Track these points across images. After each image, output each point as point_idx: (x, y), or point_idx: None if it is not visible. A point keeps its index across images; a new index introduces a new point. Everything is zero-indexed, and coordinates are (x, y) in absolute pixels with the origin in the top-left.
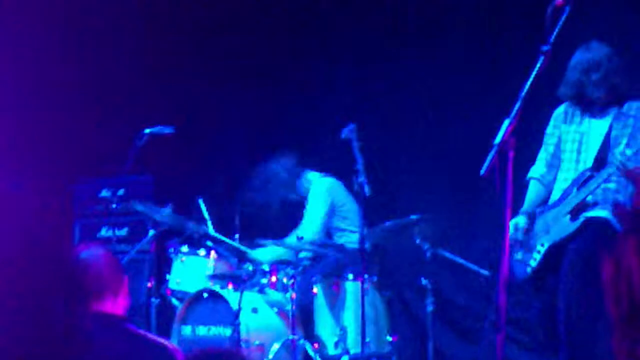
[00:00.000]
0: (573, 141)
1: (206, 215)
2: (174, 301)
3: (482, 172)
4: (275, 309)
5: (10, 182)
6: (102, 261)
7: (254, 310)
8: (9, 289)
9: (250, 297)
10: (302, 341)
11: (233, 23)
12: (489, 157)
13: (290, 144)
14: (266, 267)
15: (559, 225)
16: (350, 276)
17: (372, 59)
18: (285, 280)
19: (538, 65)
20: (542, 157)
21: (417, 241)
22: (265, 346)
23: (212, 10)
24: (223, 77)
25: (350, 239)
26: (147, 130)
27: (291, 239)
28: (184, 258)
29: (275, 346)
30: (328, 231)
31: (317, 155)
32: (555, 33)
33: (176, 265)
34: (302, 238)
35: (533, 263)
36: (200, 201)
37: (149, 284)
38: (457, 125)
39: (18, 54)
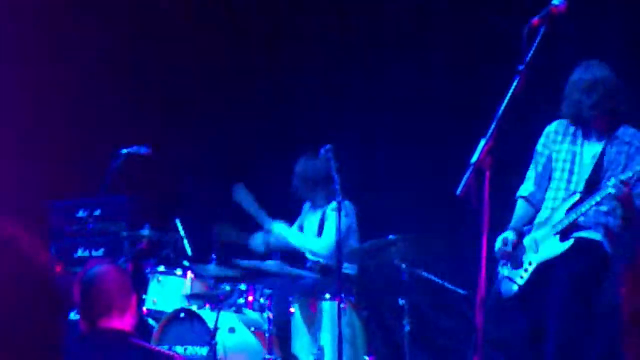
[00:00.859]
0: (564, 161)
1: (183, 234)
2: (151, 321)
3: (458, 191)
4: (252, 329)
5: None
6: (111, 278)
7: (231, 330)
8: None
9: (227, 317)
10: None
11: (210, 42)
12: (465, 177)
13: (267, 164)
14: (243, 287)
15: (548, 245)
16: (328, 296)
17: (349, 78)
18: (262, 300)
19: (514, 84)
20: (531, 175)
21: (395, 261)
22: None
23: (186, 29)
24: (199, 97)
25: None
26: (124, 151)
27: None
28: (160, 278)
29: None
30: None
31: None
32: (531, 53)
33: (153, 285)
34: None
35: (520, 281)
36: (178, 221)
37: None
38: (434, 145)
39: None
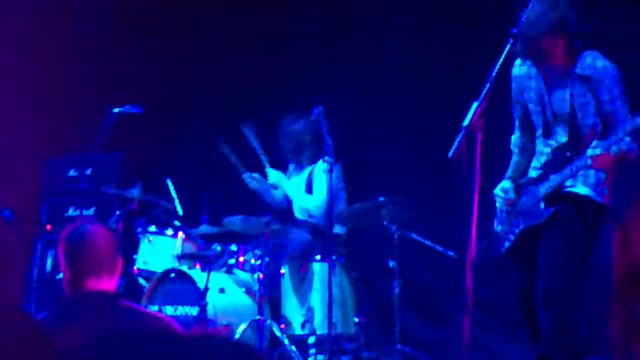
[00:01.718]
0: (537, 112)
1: (174, 195)
2: (141, 281)
3: (450, 154)
4: (243, 289)
5: None
6: (101, 238)
7: (222, 291)
8: None
9: (218, 278)
10: (269, 322)
11: (202, 5)
12: (457, 140)
13: (259, 125)
14: (234, 248)
15: (534, 210)
16: (318, 257)
17: (340, 41)
18: (252, 261)
19: (507, 47)
20: (516, 124)
21: (385, 223)
22: (233, 326)
23: None
24: (192, 58)
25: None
26: (116, 110)
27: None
28: (151, 238)
29: (242, 326)
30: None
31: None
32: (524, 16)
33: (143, 245)
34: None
35: (507, 244)
36: (169, 181)
37: None
38: (426, 107)
39: None
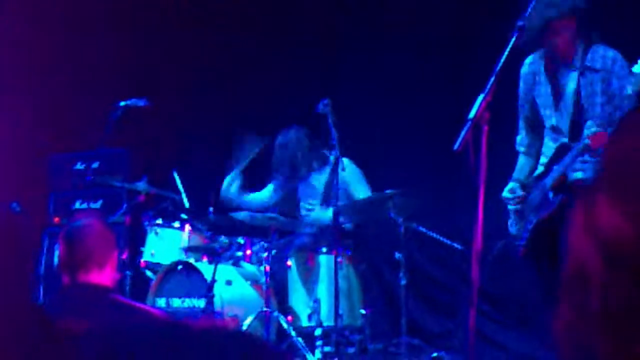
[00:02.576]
0: (546, 106)
1: (181, 187)
2: (148, 273)
3: (455, 147)
4: (250, 282)
5: None
6: (89, 232)
7: (228, 283)
8: None
9: (225, 270)
10: (275, 313)
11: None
12: (463, 132)
13: (266, 120)
14: (241, 240)
15: (543, 201)
16: (324, 249)
17: (346, 32)
18: (259, 253)
19: (512, 40)
20: (522, 125)
21: (392, 215)
22: (239, 318)
23: None
24: (198, 50)
25: None
26: (122, 103)
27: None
28: (158, 230)
29: (249, 318)
30: None
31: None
32: (530, 8)
33: (150, 238)
34: None
35: (523, 240)
36: (175, 174)
37: (123, 256)
38: (432, 99)
39: None
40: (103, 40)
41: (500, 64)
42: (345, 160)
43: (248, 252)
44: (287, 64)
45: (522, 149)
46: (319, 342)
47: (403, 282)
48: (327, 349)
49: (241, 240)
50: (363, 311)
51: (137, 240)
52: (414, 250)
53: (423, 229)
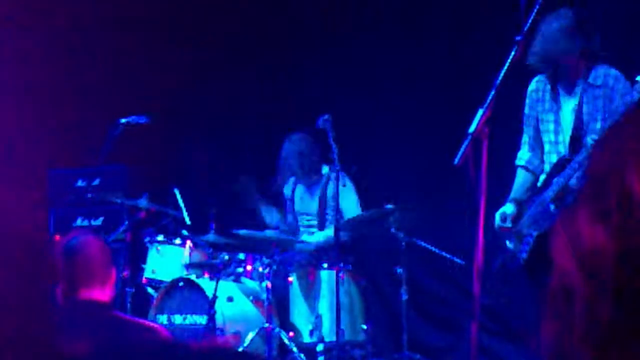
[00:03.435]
0: (548, 121)
1: (182, 204)
2: (150, 290)
3: (455, 161)
4: (251, 298)
5: None
6: (92, 249)
7: (230, 299)
8: None
9: (226, 286)
10: (277, 330)
11: (205, 15)
12: (463, 147)
13: (266, 135)
14: (242, 256)
15: (545, 214)
16: (326, 265)
17: (345, 48)
18: (260, 269)
19: (512, 54)
20: (525, 140)
21: (393, 230)
22: (241, 334)
23: (185, 2)
24: (198, 68)
25: None
26: (123, 120)
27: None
28: (159, 247)
29: (251, 335)
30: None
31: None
32: (529, 23)
33: (152, 255)
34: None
35: (525, 255)
36: (176, 191)
37: (124, 274)
38: (432, 114)
39: None
40: (104, 57)
41: (499, 79)
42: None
43: (249, 267)
44: (286, 79)
45: (522, 162)
46: (320, 358)
47: (404, 297)
48: None
49: (242, 256)
50: (364, 326)
51: (138, 257)
52: (415, 265)
53: (424, 244)
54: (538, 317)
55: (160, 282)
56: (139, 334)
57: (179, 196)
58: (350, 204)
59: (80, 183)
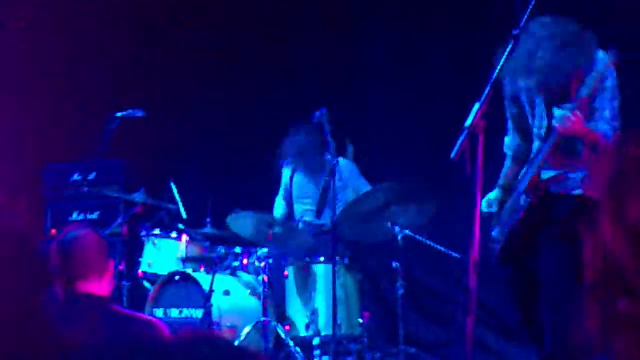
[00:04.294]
0: (532, 115)
1: (178, 198)
2: (146, 284)
3: (452, 155)
4: (247, 291)
5: None
6: (87, 242)
7: (226, 293)
8: None
9: (222, 280)
10: (273, 323)
11: (204, 8)
12: (459, 141)
13: (262, 127)
14: (238, 250)
15: (516, 205)
16: (322, 259)
17: (343, 41)
18: (257, 262)
19: (508, 48)
20: (510, 126)
21: (388, 224)
22: (237, 328)
23: None
24: (194, 61)
25: None
26: (119, 114)
27: None
28: (155, 241)
29: (247, 328)
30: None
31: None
32: (525, 17)
33: (148, 248)
34: None
35: (499, 244)
36: (172, 184)
37: (120, 267)
38: (428, 108)
39: None
40: (100, 51)
41: (496, 73)
42: (340, 160)
43: (245, 261)
44: (283, 73)
45: (509, 152)
46: (316, 352)
47: (400, 291)
48: (325, 358)
49: (238, 250)
50: (360, 320)
51: (134, 251)
52: (411, 259)
53: (420, 238)
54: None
55: (157, 275)
56: (136, 328)
57: (175, 190)
58: (363, 187)
59: (76, 177)
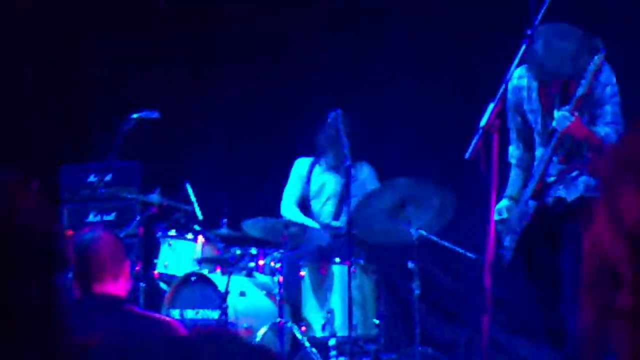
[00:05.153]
0: (536, 123)
1: (194, 199)
2: (162, 285)
3: (467, 155)
4: (263, 292)
5: None
6: (102, 243)
7: (242, 294)
8: None
9: (238, 281)
10: (289, 324)
11: (218, 6)
12: (474, 141)
13: (278, 128)
14: (254, 251)
15: (524, 212)
16: (338, 259)
17: (357, 40)
18: (272, 263)
19: (522, 48)
20: (512, 136)
21: (404, 224)
22: (253, 329)
23: None
24: (209, 61)
25: None
26: (134, 115)
27: None
28: (171, 242)
29: (263, 329)
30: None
31: (304, 140)
32: (539, 17)
33: (164, 249)
34: None
35: (510, 251)
36: (188, 185)
37: (136, 268)
38: (443, 108)
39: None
40: (115, 51)
41: (511, 73)
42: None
43: (261, 262)
44: (298, 72)
45: (513, 161)
46: (333, 353)
47: (416, 291)
48: (341, 359)
49: (254, 251)
50: (377, 321)
51: (150, 252)
52: (427, 260)
53: (436, 239)
54: (531, 313)
55: (173, 276)
56: (153, 328)
57: (190, 191)
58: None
59: (92, 178)
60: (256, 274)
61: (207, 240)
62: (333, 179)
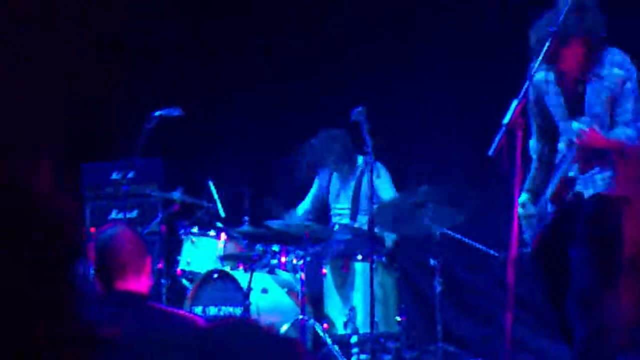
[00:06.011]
0: (556, 115)
1: (216, 196)
2: (185, 282)
3: (490, 152)
4: (285, 289)
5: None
6: (123, 239)
7: (264, 291)
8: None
9: (260, 278)
10: (311, 321)
11: (242, 4)
12: (497, 138)
13: (301, 128)
14: (276, 248)
15: (543, 213)
16: (360, 257)
17: (382, 40)
18: (295, 261)
19: (546, 45)
20: (533, 129)
21: (426, 221)
22: (275, 326)
23: None
24: (233, 59)
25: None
26: (157, 113)
27: None
28: (194, 239)
29: (285, 326)
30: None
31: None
32: (562, 15)
33: (186, 247)
34: None
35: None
36: (210, 183)
37: (159, 266)
38: (466, 105)
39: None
40: (139, 50)
41: (534, 70)
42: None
43: (283, 259)
44: (322, 70)
45: (534, 155)
46: (355, 350)
47: (438, 288)
48: (363, 356)
49: (276, 248)
50: (398, 318)
51: (173, 249)
52: (449, 257)
53: (458, 235)
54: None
55: (195, 273)
56: (176, 325)
57: (213, 188)
58: (388, 194)
59: (115, 176)
60: (278, 271)
61: (230, 237)
62: (347, 185)
